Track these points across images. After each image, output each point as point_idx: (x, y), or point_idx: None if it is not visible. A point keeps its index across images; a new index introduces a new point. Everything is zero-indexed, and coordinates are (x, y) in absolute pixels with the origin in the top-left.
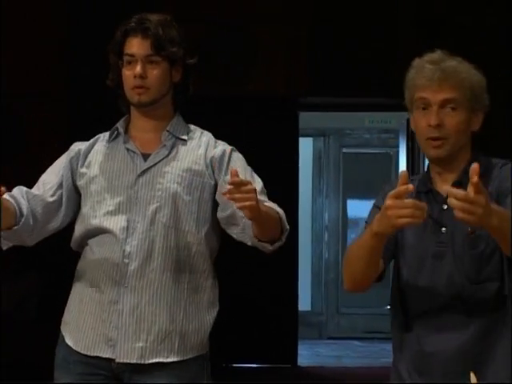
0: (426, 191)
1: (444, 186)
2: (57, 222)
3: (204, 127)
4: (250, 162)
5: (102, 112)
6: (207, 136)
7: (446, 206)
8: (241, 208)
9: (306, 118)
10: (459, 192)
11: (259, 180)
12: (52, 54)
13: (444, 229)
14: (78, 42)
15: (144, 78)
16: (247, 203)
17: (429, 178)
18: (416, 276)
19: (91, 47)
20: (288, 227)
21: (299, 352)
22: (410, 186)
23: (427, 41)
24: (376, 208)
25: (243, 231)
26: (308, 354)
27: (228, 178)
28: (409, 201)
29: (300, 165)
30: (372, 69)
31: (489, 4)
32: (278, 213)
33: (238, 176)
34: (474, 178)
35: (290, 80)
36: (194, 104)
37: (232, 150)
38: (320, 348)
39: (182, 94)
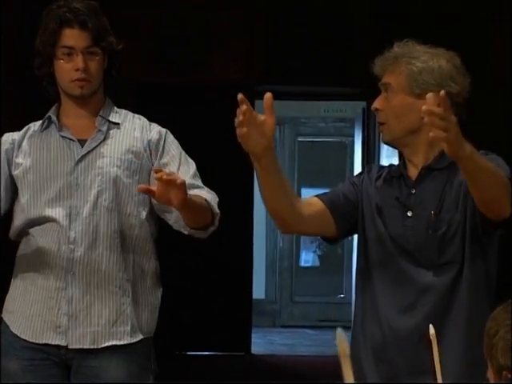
0: (398, 176)
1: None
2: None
3: (160, 114)
4: (205, 149)
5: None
6: (141, 119)
7: (414, 191)
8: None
9: (261, 106)
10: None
11: (193, 164)
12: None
13: (410, 212)
14: (28, 23)
15: (86, 70)
16: (175, 197)
17: (403, 163)
18: (381, 258)
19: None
20: (218, 211)
21: (253, 340)
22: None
23: (383, 30)
24: (348, 181)
25: (177, 221)
26: (261, 342)
27: (163, 161)
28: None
29: None
30: (328, 58)
31: None
32: (205, 199)
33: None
34: (443, 97)
35: (246, 68)
36: (149, 91)
37: (166, 133)
38: (273, 336)
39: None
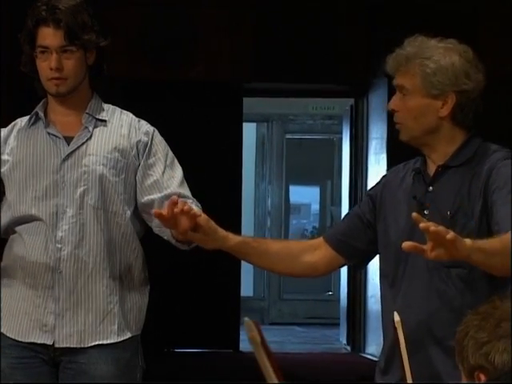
0: (418, 172)
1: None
2: None
3: (148, 112)
4: (193, 147)
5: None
6: (128, 115)
7: (431, 188)
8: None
9: (249, 104)
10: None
11: (179, 168)
12: None
13: (426, 211)
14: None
15: (60, 69)
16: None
17: (424, 159)
18: (398, 258)
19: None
20: None
21: (241, 337)
22: None
23: (371, 29)
24: (367, 195)
25: (160, 227)
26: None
27: (150, 161)
28: None
29: (243, 150)
30: (316, 55)
31: None
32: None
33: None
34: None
35: (234, 65)
36: (138, 88)
37: (154, 132)
38: None
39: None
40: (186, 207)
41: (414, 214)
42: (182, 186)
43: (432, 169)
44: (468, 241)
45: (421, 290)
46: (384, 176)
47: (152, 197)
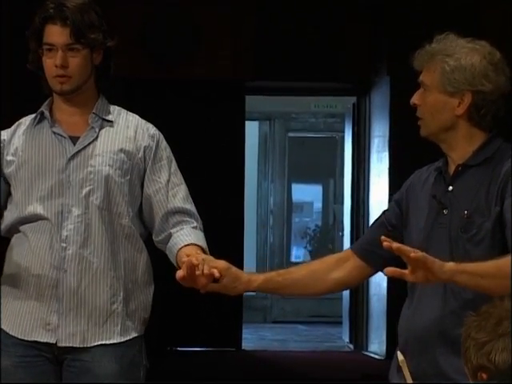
0: (439, 172)
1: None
2: None
3: (150, 110)
4: (195, 145)
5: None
6: (134, 117)
7: (450, 188)
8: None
9: (252, 102)
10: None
11: (182, 178)
12: None
13: (446, 211)
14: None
15: (65, 67)
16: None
17: (445, 159)
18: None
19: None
20: (207, 249)
21: (244, 336)
22: None
23: (373, 26)
24: (393, 200)
25: (163, 243)
26: (253, 338)
27: (155, 167)
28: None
29: (246, 149)
30: (318, 53)
31: None
32: (201, 248)
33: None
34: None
35: (237, 63)
36: (141, 87)
37: (160, 137)
38: (265, 332)
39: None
40: (206, 271)
41: (382, 237)
42: (187, 200)
43: (452, 168)
44: (449, 264)
45: (437, 290)
46: (407, 180)
47: (156, 206)
